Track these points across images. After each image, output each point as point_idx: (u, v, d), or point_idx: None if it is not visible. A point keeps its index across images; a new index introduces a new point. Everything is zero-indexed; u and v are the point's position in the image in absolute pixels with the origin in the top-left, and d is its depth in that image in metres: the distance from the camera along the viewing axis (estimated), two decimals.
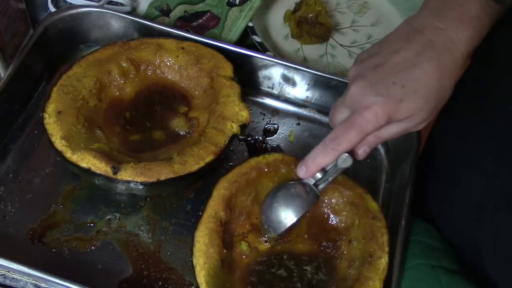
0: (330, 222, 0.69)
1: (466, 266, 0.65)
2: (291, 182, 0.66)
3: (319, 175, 0.64)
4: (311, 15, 0.92)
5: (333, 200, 0.69)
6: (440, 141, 0.60)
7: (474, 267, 0.64)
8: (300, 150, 0.77)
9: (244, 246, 0.66)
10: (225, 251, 0.64)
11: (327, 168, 0.64)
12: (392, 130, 0.61)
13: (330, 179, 0.64)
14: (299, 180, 0.65)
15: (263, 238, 0.67)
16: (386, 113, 0.57)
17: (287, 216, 0.64)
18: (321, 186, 0.64)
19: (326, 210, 0.69)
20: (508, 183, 0.59)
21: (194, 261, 0.62)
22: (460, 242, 0.67)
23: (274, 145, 0.79)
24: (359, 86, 0.58)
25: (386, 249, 0.65)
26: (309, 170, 0.63)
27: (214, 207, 0.65)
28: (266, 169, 0.69)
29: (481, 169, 0.64)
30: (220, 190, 0.66)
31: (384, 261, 0.64)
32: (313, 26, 0.92)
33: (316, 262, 0.66)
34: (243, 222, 0.68)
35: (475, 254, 0.64)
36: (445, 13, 0.60)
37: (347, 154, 0.61)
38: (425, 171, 0.74)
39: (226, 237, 0.65)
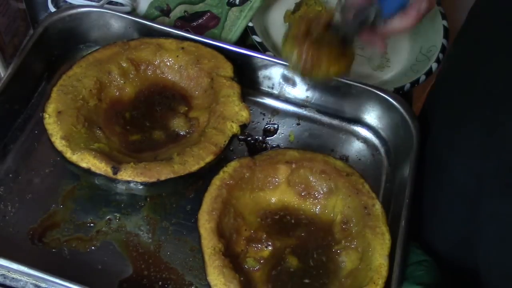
0: (310, 199, 0.71)
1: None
2: None
3: None
4: (311, 15, 0.91)
5: (303, 179, 0.71)
6: (428, 128, 0.58)
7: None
8: None
9: (251, 262, 0.66)
10: (242, 278, 0.63)
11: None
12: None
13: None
14: None
15: (261, 245, 0.67)
16: None
17: None
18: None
19: (300, 190, 0.71)
20: (498, 167, 0.58)
21: None
22: (453, 243, 0.66)
23: (274, 145, 0.79)
24: None
25: (373, 195, 0.68)
26: None
27: (209, 245, 0.64)
28: (232, 182, 0.68)
29: (467, 154, 0.63)
30: (205, 225, 0.65)
31: (378, 206, 0.68)
32: None
33: (315, 243, 0.69)
34: (236, 240, 0.67)
35: (468, 252, 0.63)
36: None
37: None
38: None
39: (233, 263, 0.64)
